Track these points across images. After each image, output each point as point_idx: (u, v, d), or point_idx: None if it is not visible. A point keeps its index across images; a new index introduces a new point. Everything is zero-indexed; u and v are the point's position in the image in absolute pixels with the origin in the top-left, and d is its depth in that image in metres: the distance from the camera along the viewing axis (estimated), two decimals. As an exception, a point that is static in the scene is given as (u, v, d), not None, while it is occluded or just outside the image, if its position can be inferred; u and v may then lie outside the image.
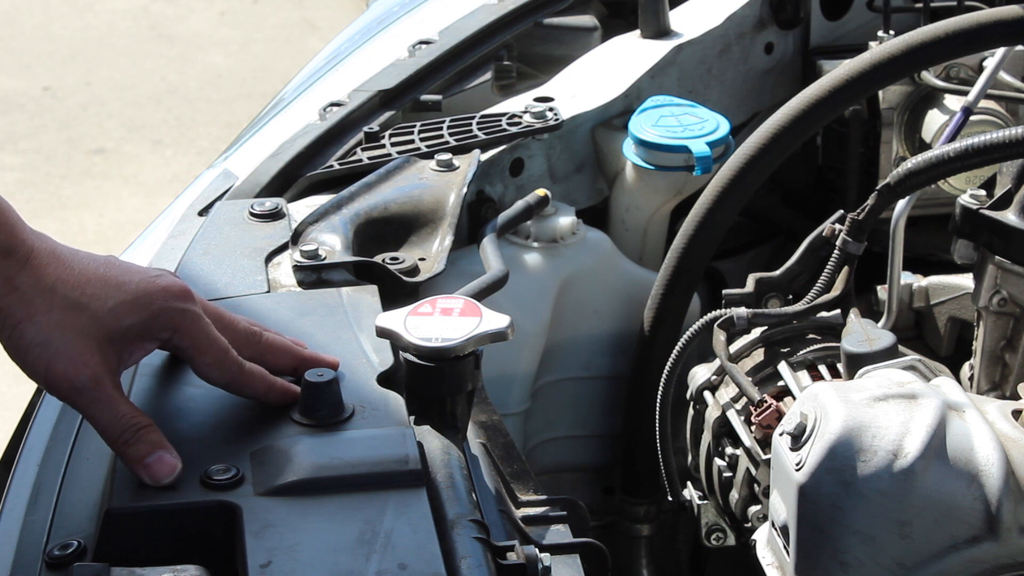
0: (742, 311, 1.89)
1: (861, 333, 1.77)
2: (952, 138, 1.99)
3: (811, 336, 1.89)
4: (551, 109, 2.13)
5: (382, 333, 1.48)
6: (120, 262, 1.45)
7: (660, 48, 2.28)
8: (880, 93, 2.28)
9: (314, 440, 1.40)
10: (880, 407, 1.50)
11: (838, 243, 1.89)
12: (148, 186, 5.24)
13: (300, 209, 1.92)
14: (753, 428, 1.81)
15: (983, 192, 1.85)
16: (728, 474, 1.88)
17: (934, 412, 1.49)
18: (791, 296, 1.95)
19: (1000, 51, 2.07)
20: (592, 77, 2.25)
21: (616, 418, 2.16)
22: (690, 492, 1.97)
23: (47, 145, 5.49)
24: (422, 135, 2.08)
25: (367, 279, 1.77)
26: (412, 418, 1.47)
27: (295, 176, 2.03)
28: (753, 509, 1.86)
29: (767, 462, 1.76)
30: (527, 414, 2.11)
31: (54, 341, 1.38)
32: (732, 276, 2.37)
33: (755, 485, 1.84)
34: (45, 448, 1.55)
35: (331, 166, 2.03)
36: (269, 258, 1.79)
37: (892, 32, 2.31)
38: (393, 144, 2.06)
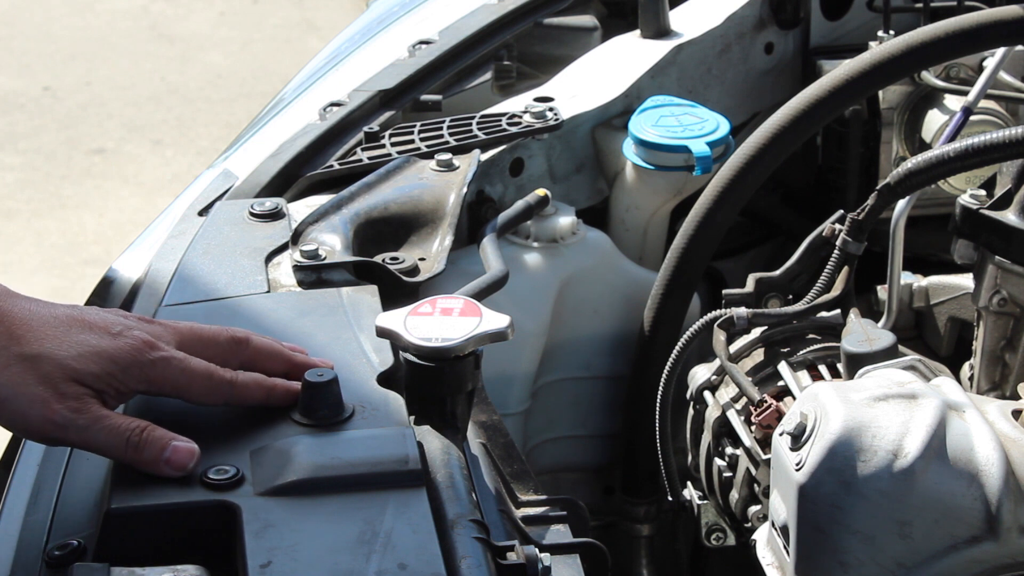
0: (742, 311, 1.89)
1: (861, 333, 1.77)
2: (952, 138, 1.99)
3: (811, 336, 1.89)
4: (551, 109, 2.13)
5: (382, 333, 1.48)
6: (81, 316, 1.41)
7: (660, 48, 2.28)
8: (880, 93, 2.28)
9: (314, 440, 1.40)
10: (880, 407, 1.50)
11: (838, 243, 1.89)
12: (148, 186, 5.24)
13: (300, 209, 1.92)
14: (753, 428, 1.81)
15: (983, 192, 1.85)
16: (728, 474, 1.88)
17: (934, 412, 1.49)
18: (791, 296, 1.95)
19: (1000, 51, 2.07)
20: (592, 77, 2.25)
21: (616, 418, 2.16)
22: (690, 492, 1.97)
23: (47, 145, 5.49)
24: (422, 135, 2.08)
25: (367, 279, 1.77)
26: (412, 418, 1.47)
27: (295, 176, 2.02)
28: (753, 509, 1.86)
29: (767, 462, 1.76)
30: (527, 414, 2.11)
31: (19, 393, 1.35)
32: (732, 276, 2.37)
33: (755, 485, 1.84)
34: (45, 448, 1.54)
35: (331, 166, 2.03)
36: (269, 258, 1.79)
37: (892, 32, 2.31)
38: (393, 144, 2.06)
